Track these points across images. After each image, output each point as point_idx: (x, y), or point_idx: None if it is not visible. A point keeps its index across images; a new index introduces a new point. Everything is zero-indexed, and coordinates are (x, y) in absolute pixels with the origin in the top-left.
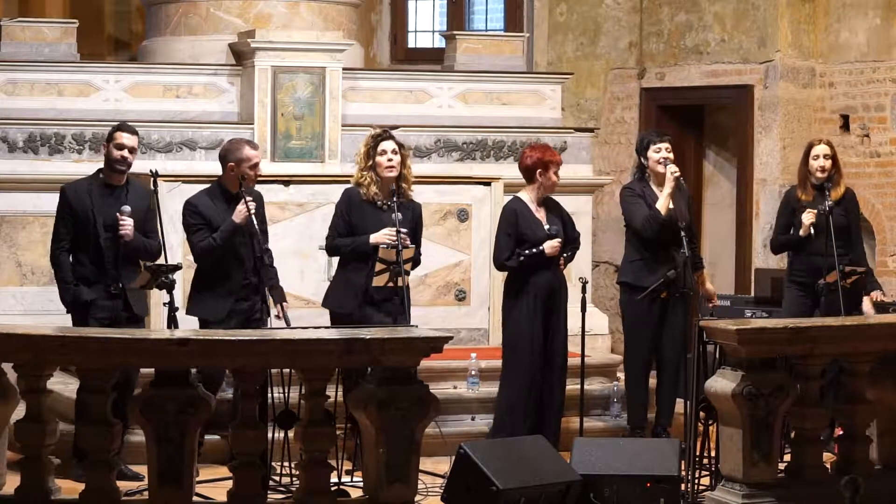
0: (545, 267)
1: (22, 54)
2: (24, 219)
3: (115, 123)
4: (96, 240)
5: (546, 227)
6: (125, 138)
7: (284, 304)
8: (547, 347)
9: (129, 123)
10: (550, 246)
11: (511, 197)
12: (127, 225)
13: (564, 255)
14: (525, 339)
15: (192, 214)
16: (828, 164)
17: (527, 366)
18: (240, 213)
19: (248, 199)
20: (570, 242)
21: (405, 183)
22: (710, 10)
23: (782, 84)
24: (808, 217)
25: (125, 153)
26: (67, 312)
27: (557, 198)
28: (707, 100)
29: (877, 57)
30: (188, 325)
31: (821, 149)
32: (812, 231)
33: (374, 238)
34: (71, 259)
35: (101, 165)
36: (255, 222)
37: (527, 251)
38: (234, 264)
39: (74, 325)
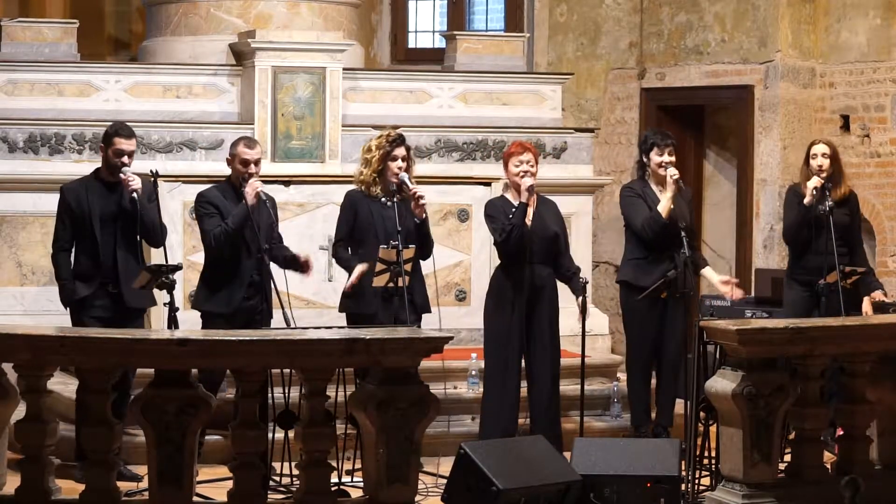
0: (526, 265)
1: (22, 54)
2: (24, 219)
3: (111, 124)
4: (93, 236)
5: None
6: (124, 144)
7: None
8: (529, 347)
9: (126, 123)
10: (525, 183)
11: None
12: (132, 179)
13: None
14: (503, 339)
15: (204, 204)
16: (826, 163)
17: (505, 365)
18: (248, 194)
19: (256, 181)
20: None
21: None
22: (710, 11)
23: (783, 84)
24: (812, 182)
25: (125, 159)
26: (66, 309)
27: (558, 198)
28: (707, 100)
29: (877, 57)
30: (189, 324)
31: (819, 148)
32: (816, 191)
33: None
34: (73, 258)
35: (100, 165)
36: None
37: (509, 216)
38: (245, 256)
39: (73, 324)
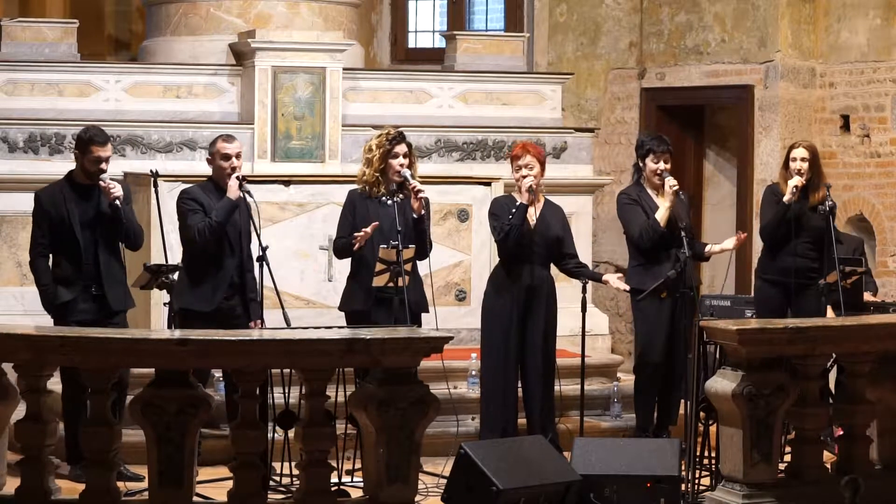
0: (526, 265)
1: (22, 54)
2: (24, 219)
3: (83, 129)
4: (74, 239)
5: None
6: (101, 151)
7: (259, 321)
8: (524, 346)
9: (100, 128)
10: (524, 185)
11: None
12: (113, 187)
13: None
14: (502, 330)
15: (188, 201)
16: (804, 166)
17: (503, 363)
18: (232, 188)
19: (240, 177)
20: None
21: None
22: (710, 11)
23: (782, 84)
24: (794, 181)
25: (103, 165)
26: (50, 315)
27: (559, 198)
28: (707, 100)
29: (877, 57)
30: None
31: (798, 152)
32: (796, 190)
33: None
34: (51, 262)
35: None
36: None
37: (510, 216)
38: (227, 254)
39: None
